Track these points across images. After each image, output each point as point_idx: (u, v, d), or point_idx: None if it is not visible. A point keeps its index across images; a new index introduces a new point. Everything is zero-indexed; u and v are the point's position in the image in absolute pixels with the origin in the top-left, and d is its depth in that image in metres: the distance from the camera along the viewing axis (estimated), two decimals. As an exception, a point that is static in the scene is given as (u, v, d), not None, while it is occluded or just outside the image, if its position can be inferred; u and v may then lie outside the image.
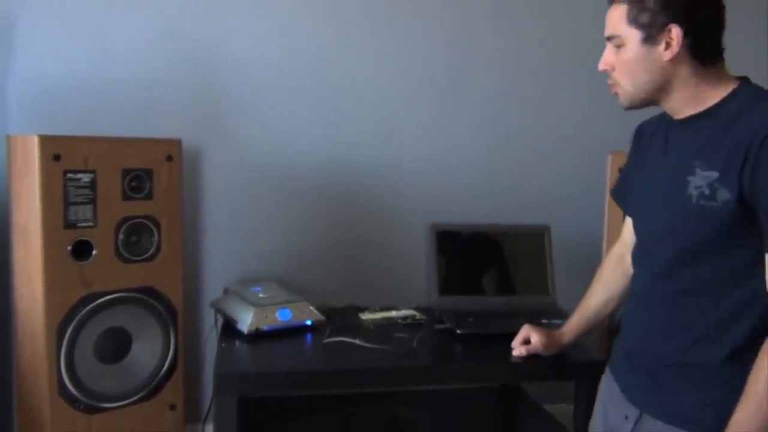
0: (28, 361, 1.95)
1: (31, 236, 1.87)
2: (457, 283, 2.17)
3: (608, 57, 1.28)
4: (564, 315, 1.88)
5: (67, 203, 1.88)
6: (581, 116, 2.68)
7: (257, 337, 1.90)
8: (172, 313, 2.10)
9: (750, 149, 1.11)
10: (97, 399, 1.97)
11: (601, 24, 1.30)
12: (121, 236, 1.98)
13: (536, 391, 2.40)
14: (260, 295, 2.05)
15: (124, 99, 2.33)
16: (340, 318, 2.12)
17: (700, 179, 1.18)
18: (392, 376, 1.77)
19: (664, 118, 1.34)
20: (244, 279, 2.43)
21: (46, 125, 2.24)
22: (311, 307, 2.05)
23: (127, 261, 2.00)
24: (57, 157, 1.85)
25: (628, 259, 1.46)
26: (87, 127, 2.27)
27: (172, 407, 2.14)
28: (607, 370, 1.46)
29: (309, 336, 1.97)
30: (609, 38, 1.27)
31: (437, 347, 1.93)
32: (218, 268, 2.46)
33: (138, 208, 2.01)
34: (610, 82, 1.30)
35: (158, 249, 2.06)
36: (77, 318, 1.91)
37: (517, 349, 1.77)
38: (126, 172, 1.99)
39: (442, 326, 2.03)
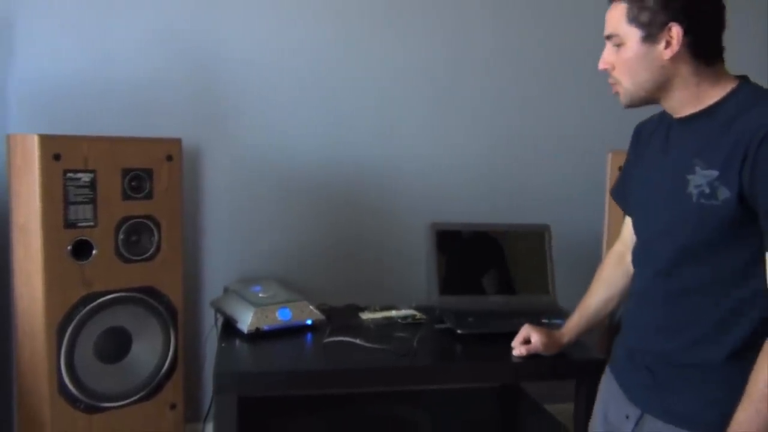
0: (28, 360, 1.95)
1: (31, 235, 1.87)
2: (458, 282, 2.17)
3: (608, 56, 1.28)
4: (564, 314, 1.88)
5: (67, 203, 1.88)
6: (581, 116, 2.68)
7: (257, 336, 1.90)
8: (172, 312, 2.10)
9: (749, 148, 1.11)
10: (98, 398, 1.97)
11: (601, 24, 1.30)
12: (121, 236, 1.98)
13: (536, 391, 2.40)
14: (260, 295, 2.05)
15: (124, 98, 2.33)
16: (340, 317, 2.12)
17: (700, 178, 1.18)
18: (392, 375, 1.77)
19: (664, 117, 1.34)
20: (244, 278, 2.43)
21: (46, 125, 2.24)
22: (311, 307, 2.05)
23: (127, 260, 2.00)
24: (57, 157, 1.85)
25: (628, 258, 1.46)
26: (87, 126, 2.26)
27: (173, 407, 2.14)
28: (608, 370, 1.46)
29: (309, 335, 1.97)
30: (609, 37, 1.27)
31: (437, 347, 1.93)
32: (218, 268, 2.46)
33: (138, 207, 2.01)
34: (610, 80, 1.30)
35: (158, 248, 2.06)
36: (77, 317, 1.91)
37: (518, 349, 1.77)
38: (126, 172, 1.98)
39: (442, 326, 2.02)
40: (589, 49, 1.61)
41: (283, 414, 2.19)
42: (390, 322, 2.11)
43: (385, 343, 1.86)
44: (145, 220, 2.03)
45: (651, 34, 1.20)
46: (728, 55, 1.25)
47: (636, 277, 1.40)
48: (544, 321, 1.94)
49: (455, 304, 2.10)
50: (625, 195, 1.47)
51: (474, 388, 2.44)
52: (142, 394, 2.06)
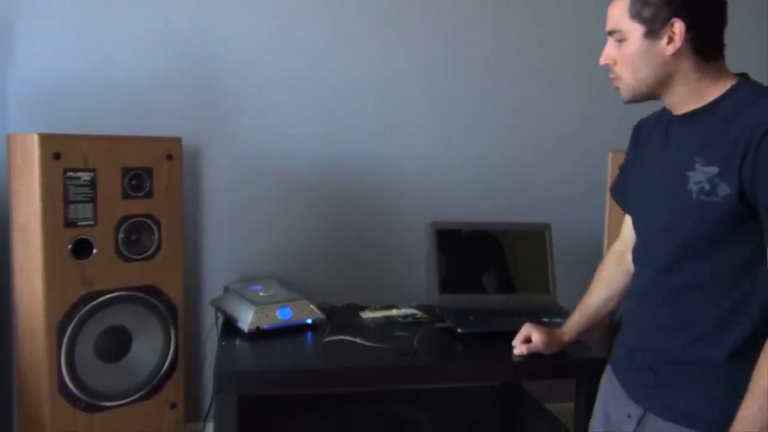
0: (28, 359, 1.94)
1: (31, 235, 1.87)
2: (458, 281, 2.16)
3: (610, 51, 1.28)
4: (565, 313, 1.88)
5: (67, 202, 1.88)
6: (581, 115, 2.68)
7: (257, 335, 1.90)
8: (172, 311, 2.10)
9: (749, 145, 1.11)
10: (98, 397, 1.97)
11: (601, 23, 1.30)
12: (121, 235, 1.98)
13: (537, 390, 2.40)
14: (260, 294, 2.05)
15: (124, 98, 2.33)
16: (340, 316, 2.12)
17: (700, 174, 1.18)
18: (393, 374, 1.77)
19: (664, 114, 1.35)
20: (244, 277, 2.43)
21: (46, 124, 2.25)
22: (312, 306, 2.05)
23: (127, 259, 2.00)
24: (57, 156, 1.85)
25: (629, 257, 1.46)
26: (87, 125, 2.27)
27: (173, 406, 2.13)
28: (608, 369, 1.46)
29: (309, 334, 1.97)
30: (611, 33, 1.27)
31: (438, 346, 1.93)
32: (218, 267, 2.46)
33: (138, 206, 2.01)
34: (611, 76, 1.30)
35: (158, 247, 2.06)
36: (77, 316, 1.91)
37: (518, 348, 1.76)
38: (126, 171, 1.98)
39: (442, 325, 2.02)
40: (589, 48, 1.62)
41: (284, 413, 2.19)
42: (390, 321, 2.11)
43: (385, 342, 1.86)
44: (145, 219, 2.03)
45: (653, 29, 1.20)
46: (728, 54, 1.25)
47: (636, 277, 1.40)
48: (544, 320, 1.94)
49: (456, 303, 2.10)
50: (624, 193, 1.47)
51: (474, 387, 2.44)
52: (142, 393, 2.06)
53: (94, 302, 1.94)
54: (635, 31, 1.22)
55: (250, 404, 2.09)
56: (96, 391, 1.97)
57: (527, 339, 1.77)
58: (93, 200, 1.92)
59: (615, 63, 1.27)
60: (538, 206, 2.65)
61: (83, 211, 1.91)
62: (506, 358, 1.77)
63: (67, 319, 1.89)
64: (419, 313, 2.16)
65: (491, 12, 2.58)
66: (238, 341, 1.89)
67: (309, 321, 2.02)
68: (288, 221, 2.50)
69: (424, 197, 2.58)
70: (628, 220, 1.51)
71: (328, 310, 2.13)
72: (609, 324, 2.04)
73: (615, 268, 1.57)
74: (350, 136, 2.52)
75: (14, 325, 2.02)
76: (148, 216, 2.04)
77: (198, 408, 2.49)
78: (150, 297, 2.05)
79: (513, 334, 1.80)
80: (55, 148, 1.85)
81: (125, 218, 1.99)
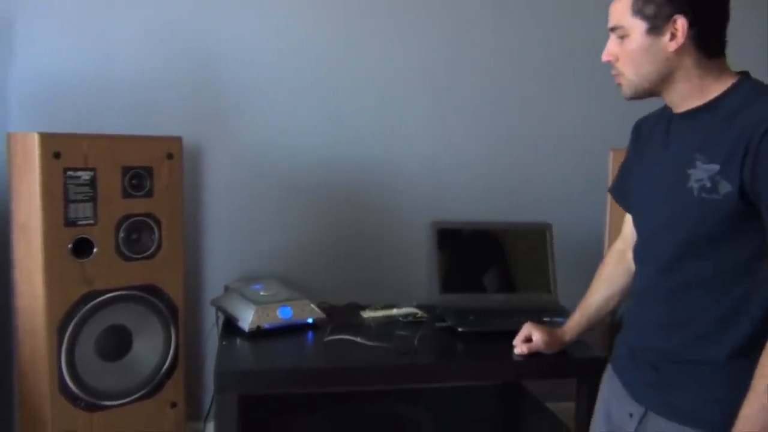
0: (28, 358, 1.94)
1: (32, 234, 1.87)
2: (459, 280, 2.16)
3: (612, 48, 1.28)
4: (566, 313, 1.88)
5: (68, 201, 1.87)
6: (582, 114, 2.67)
7: (258, 334, 1.90)
8: (172, 310, 2.10)
9: (751, 143, 1.11)
10: (98, 397, 1.97)
11: (601, 22, 1.30)
12: (121, 234, 1.98)
13: (538, 389, 2.40)
14: (261, 293, 2.05)
15: (124, 97, 2.33)
16: (341, 316, 2.12)
17: (701, 172, 1.18)
18: (393, 374, 1.77)
19: (664, 113, 1.35)
20: (245, 277, 2.43)
21: (46, 123, 2.24)
22: (312, 305, 2.05)
23: (127, 259, 2.00)
24: (57, 155, 1.85)
25: (629, 256, 1.46)
26: (87, 124, 2.27)
27: (173, 405, 2.13)
28: (609, 368, 1.46)
29: (310, 334, 1.97)
30: (613, 29, 1.27)
31: (438, 345, 1.93)
32: (219, 266, 2.46)
33: (138, 205, 2.01)
34: (613, 72, 1.30)
35: (159, 247, 2.06)
36: (78, 316, 1.91)
37: (519, 347, 1.76)
38: (126, 170, 1.98)
39: (443, 324, 2.02)
40: (589, 48, 1.62)
41: (284, 412, 2.19)
42: (391, 320, 2.11)
43: (386, 341, 1.86)
44: (145, 218, 2.03)
45: (656, 26, 1.20)
46: (728, 53, 1.24)
47: (637, 275, 1.40)
48: (545, 319, 1.94)
49: (456, 303, 2.10)
50: (624, 192, 1.47)
51: (475, 387, 2.44)
52: (142, 392, 2.05)
53: (95, 301, 1.94)
54: (638, 27, 1.22)
55: (251, 403, 2.09)
56: (96, 391, 1.97)
57: (528, 338, 1.77)
58: (93, 199, 1.92)
59: (617, 59, 1.27)
60: (539, 206, 2.65)
61: (83, 210, 1.91)
62: (507, 358, 1.77)
63: (68, 319, 1.89)
64: (420, 313, 2.15)
65: (491, 12, 2.58)
66: (238, 340, 1.88)
67: (310, 320, 2.02)
68: (289, 220, 2.50)
69: (425, 197, 2.58)
70: (628, 218, 1.51)
71: (329, 310, 2.13)
72: (610, 323, 2.03)
73: (616, 267, 1.56)
74: (351, 136, 2.51)
75: (15, 325, 2.02)
76: (149, 215, 2.04)
77: (199, 407, 2.49)
78: (150, 296, 2.05)
79: (514, 333, 1.80)
80: (55, 148, 1.84)
81: (126, 217, 1.99)
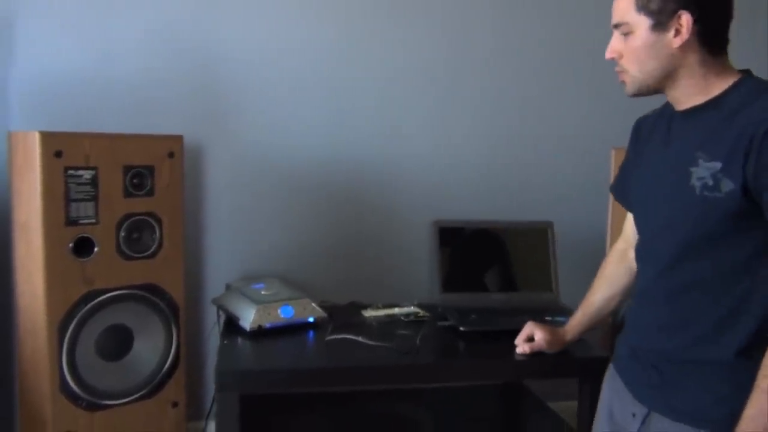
0: (29, 358, 1.94)
1: (33, 233, 1.86)
2: (460, 280, 2.16)
3: (616, 45, 1.27)
4: (567, 312, 1.87)
5: (69, 200, 1.87)
6: (583, 113, 2.67)
7: (259, 334, 1.90)
8: (173, 310, 2.10)
9: (753, 141, 1.11)
10: (99, 396, 1.97)
11: (601, 22, 1.29)
12: (122, 233, 1.98)
13: (540, 389, 2.39)
14: (262, 292, 2.04)
15: (125, 95, 2.32)
16: (342, 315, 2.11)
17: (703, 170, 1.17)
18: (395, 373, 1.77)
19: (665, 111, 1.34)
20: (246, 276, 2.43)
21: (47, 122, 2.24)
22: (314, 304, 2.05)
23: (128, 258, 1.99)
24: (58, 154, 1.84)
25: (631, 255, 1.46)
26: (88, 123, 2.26)
27: (174, 405, 2.13)
28: (611, 367, 1.45)
29: (311, 333, 1.96)
30: (616, 26, 1.26)
31: (440, 344, 1.92)
32: (220, 265, 2.46)
33: (139, 204, 2.01)
34: (617, 69, 1.29)
35: (160, 246, 2.06)
36: (79, 315, 1.90)
37: (521, 347, 1.76)
38: (127, 169, 1.98)
39: (445, 323, 2.02)
40: (590, 47, 1.62)
41: (286, 412, 2.18)
42: (392, 319, 2.10)
43: (387, 340, 1.86)
44: (146, 218, 2.02)
45: (660, 22, 1.20)
46: (729, 52, 1.24)
47: (639, 276, 1.40)
48: (547, 318, 1.93)
49: (458, 302, 2.10)
50: (625, 191, 1.46)
51: (477, 386, 2.44)
52: (143, 392, 2.05)
53: (96, 301, 1.93)
54: (642, 23, 1.21)
55: (252, 403, 2.08)
56: (97, 390, 1.96)
57: (530, 338, 1.76)
58: (94, 198, 1.92)
59: (621, 56, 1.27)
60: (541, 205, 2.64)
61: (84, 209, 1.90)
62: (509, 357, 1.76)
63: (69, 318, 1.89)
64: (421, 312, 2.15)
65: (491, 12, 2.57)
66: (239, 340, 1.88)
67: (311, 319, 2.01)
68: (290, 220, 2.50)
69: (426, 196, 2.58)
70: (630, 217, 1.51)
71: (330, 309, 2.12)
72: (612, 323, 2.03)
73: (617, 266, 1.56)
74: (352, 135, 2.51)
75: (15, 324, 2.02)
76: (150, 214, 2.03)
77: (200, 407, 2.49)
78: (151, 295, 2.04)
79: (515, 332, 1.79)
80: (56, 146, 1.84)
81: (127, 216, 1.98)
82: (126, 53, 2.31)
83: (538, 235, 2.25)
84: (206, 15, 2.36)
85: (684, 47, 1.20)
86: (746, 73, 1.23)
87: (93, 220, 1.92)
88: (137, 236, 2.02)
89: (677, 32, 1.19)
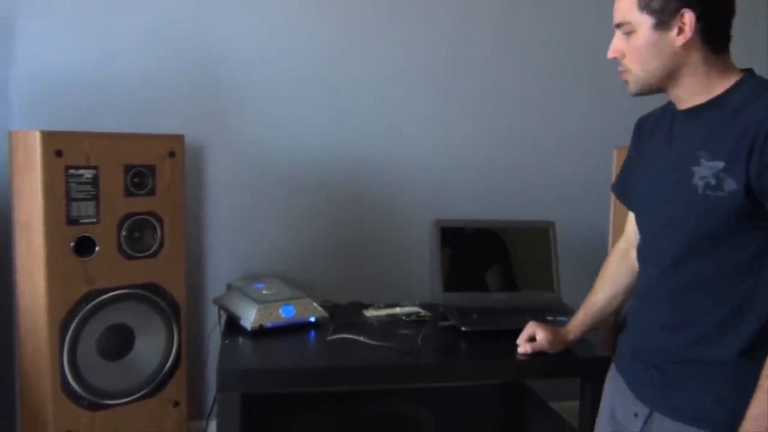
0: (30, 357, 1.94)
1: (33, 232, 1.86)
2: (462, 279, 2.16)
3: (618, 44, 1.27)
4: (569, 312, 1.87)
5: (69, 199, 1.87)
6: (585, 112, 2.67)
7: (260, 333, 1.90)
8: (175, 309, 2.09)
9: (756, 140, 1.10)
10: (101, 396, 1.97)
11: (602, 21, 1.29)
12: (123, 232, 1.98)
13: (541, 388, 2.39)
14: (264, 292, 2.04)
15: (126, 95, 2.32)
16: (343, 315, 2.11)
17: (706, 169, 1.17)
18: (396, 373, 1.77)
19: (667, 110, 1.34)
20: (247, 275, 2.43)
21: (47, 121, 2.24)
22: (315, 304, 2.04)
23: (129, 257, 1.99)
24: (59, 153, 1.84)
25: (633, 255, 1.46)
26: (89, 123, 2.26)
27: (176, 404, 2.13)
28: (613, 367, 1.45)
29: (312, 333, 1.96)
30: (618, 25, 1.26)
31: (442, 344, 1.92)
32: (221, 265, 2.46)
33: (140, 204, 2.01)
34: (620, 69, 1.29)
35: (161, 245, 2.06)
36: (80, 314, 1.90)
37: (522, 346, 1.76)
38: (128, 168, 1.98)
39: (446, 323, 2.01)
40: (591, 47, 1.61)
41: (287, 411, 2.18)
42: (394, 319, 2.10)
43: (388, 340, 1.85)
44: (147, 217, 2.02)
45: (663, 20, 1.19)
46: (730, 51, 1.24)
47: (641, 275, 1.39)
48: (549, 318, 1.93)
49: (459, 301, 2.09)
50: (626, 190, 1.46)
51: (478, 386, 2.44)
52: (145, 391, 2.05)
53: (97, 300, 1.93)
54: (644, 22, 1.21)
55: (253, 402, 2.08)
56: (99, 390, 1.96)
57: (532, 337, 1.76)
58: (95, 198, 1.92)
59: (623, 56, 1.26)
60: (542, 204, 2.64)
61: (85, 208, 1.90)
62: (510, 357, 1.76)
63: (70, 317, 1.89)
64: (423, 312, 2.15)
65: (491, 12, 2.57)
66: (241, 339, 1.88)
67: (312, 319, 2.01)
68: (291, 219, 2.49)
69: (427, 195, 2.57)
70: (631, 217, 1.51)
71: (332, 308, 2.12)
72: (613, 322, 2.03)
73: (619, 265, 1.56)
74: (352, 135, 2.51)
75: (16, 323, 2.01)
76: (151, 214, 2.03)
77: (201, 406, 2.49)
78: (152, 295, 2.04)
79: (517, 332, 1.79)
80: (57, 146, 1.84)
81: (128, 216, 1.98)
82: (126, 53, 2.31)
83: (540, 235, 2.24)
84: (206, 15, 2.36)
85: (687, 46, 1.19)
86: (748, 72, 1.23)
87: (94, 220, 1.92)
88: (138, 236, 2.02)
89: (680, 30, 1.19)
